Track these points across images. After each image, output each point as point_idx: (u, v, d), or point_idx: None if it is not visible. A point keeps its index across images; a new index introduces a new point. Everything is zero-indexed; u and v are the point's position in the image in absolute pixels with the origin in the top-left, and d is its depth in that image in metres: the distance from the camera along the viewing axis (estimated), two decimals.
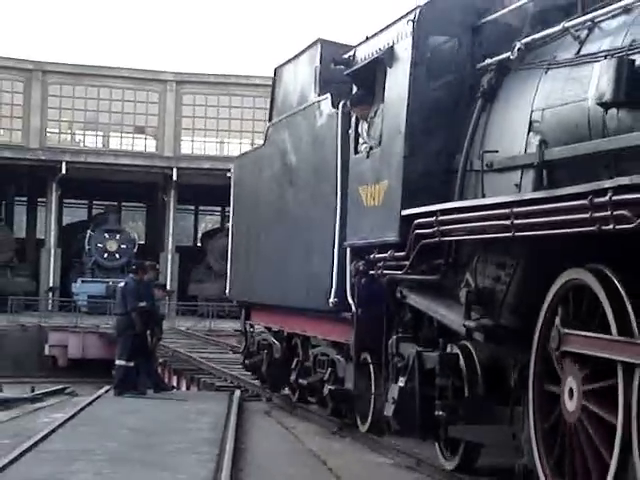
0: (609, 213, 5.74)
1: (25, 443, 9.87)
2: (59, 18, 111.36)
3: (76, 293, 39.39)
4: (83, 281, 40.30)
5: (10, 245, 41.78)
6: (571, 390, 6.47)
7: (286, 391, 14.30)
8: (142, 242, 48.09)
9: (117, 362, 14.96)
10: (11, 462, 8.87)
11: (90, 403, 13.87)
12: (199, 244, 50.44)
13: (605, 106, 6.51)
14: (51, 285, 41.27)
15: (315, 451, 10.32)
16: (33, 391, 18.52)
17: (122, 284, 15.46)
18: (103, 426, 11.75)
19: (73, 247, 43.54)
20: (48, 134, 44.01)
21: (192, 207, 53.96)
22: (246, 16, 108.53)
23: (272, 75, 14.42)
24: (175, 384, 20.57)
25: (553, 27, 7.79)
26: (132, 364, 14.84)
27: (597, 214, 5.83)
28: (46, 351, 30.59)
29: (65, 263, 42.53)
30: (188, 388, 19.06)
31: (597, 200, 5.81)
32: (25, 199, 48.53)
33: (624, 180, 5.71)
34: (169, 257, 42.28)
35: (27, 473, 8.59)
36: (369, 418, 10.81)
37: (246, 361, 15.75)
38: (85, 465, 9.06)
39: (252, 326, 15.54)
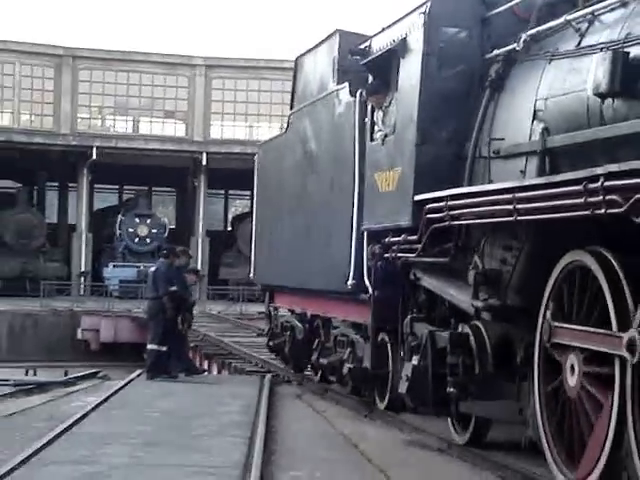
0: (601, 198, 6.13)
1: (59, 426, 9.95)
2: (89, 3, 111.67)
3: (107, 278, 39.64)
4: (114, 266, 40.52)
5: (42, 230, 42.09)
6: (572, 367, 6.89)
7: (308, 371, 14.73)
8: (172, 227, 48.28)
9: (149, 346, 15.03)
10: (45, 445, 8.95)
11: (123, 387, 13.95)
12: (229, 228, 50.57)
13: (601, 96, 6.87)
14: (83, 270, 41.54)
15: (346, 434, 10.34)
16: (66, 375, 18.65)
17: (153, 269, 15.52)
18: (136, 409, 11.83)
19: (104, 232, 43.79)
20: (78, 119, 44.19)
21: (222, 191, 54.03)
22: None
23: (289, 69, 14.94)
24: (206, 368, 20.66)
25: (557, 19, 8.11)
26: (164, 348, 14.91)
27: (591, 199, 6.22)
28: (79, 335, 30.81)
29: (96, 248, 42.79)
30: (219, 372, 19.13)
31: (590, 186, 6.22)
32: (56, 184, 48.80)
33: (613, 167, 6.08)
34: (199, 241, 42.42)
35: (61, 456, 8.67)
36: (387, 396, 11.16)
37: (270, 342, 16.12)
38: (118, 448, 9.13)
39: (276, 309, 15.93)
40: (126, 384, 14.31)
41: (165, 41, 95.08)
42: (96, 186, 48.24)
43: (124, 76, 44.29)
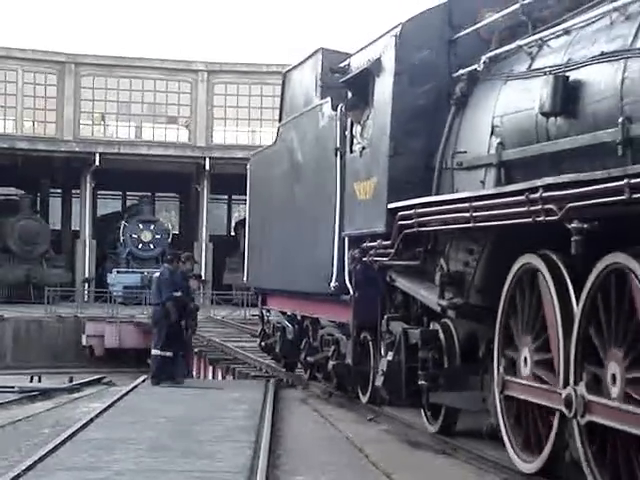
0: (540, 207, 7.02)
1: (64, 432, 9.96)
2: (90, 10, 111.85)
3: (111, 284, 39.61)
4: (118, 272, 40.53)
5: (46, 237, 42.10)
6: (525, 359, 7.81)
7: (299, 369, 15.54)
8: (176, 232, 48.29)
9: (153, 352, 15.05)
10: (51, 451, 8.95)
11: (127, 393, 13.96)
12: (233, 233, 50.54)
13: (546, 115, 7.77)
14: (87, 276, 41.56)
15: (352, 438, 10.33)
16: (71, 381, 18.65)
17: (157, 274, 15.55)
18: (141, 415, 11.83)
19: (108, 238, 43.80)
20: (81, 126, 44.23)
21: (225, 196, 54.02)
22: (276, 4, 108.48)
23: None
24: (211, 373, 20.67)
25: (519, 41, 8.90)
26: (169, 354, 14.91)
27: (532, 208, 7.12)
28: (83, 341, 30.83)
29: (100, 254, 42.80)
30: (224, 377, 19.13)
31: (531, 196, 7.11)
32: (60, 191, 48.83)
33: (550, 180, 7.00)
34: (203, 246, 42.44)
35: (66, 462, 8.66)
36: (369, 390, 11.98)
37: (262, 343, 16.97)
38: (124, 454, 9.12)
39: (268, 311, 16.65)
40: (131, 390, 14.32)
41: (167, 47, 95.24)
42: (99, 192, 48.26)
43: (126, 82, 44.34)
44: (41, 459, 8.58)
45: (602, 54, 7.33)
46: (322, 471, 8.64)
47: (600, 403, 6.64)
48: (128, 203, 52.43)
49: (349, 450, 9.77)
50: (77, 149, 41.85)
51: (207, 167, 41.92)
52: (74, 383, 17.87)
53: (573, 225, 6.71)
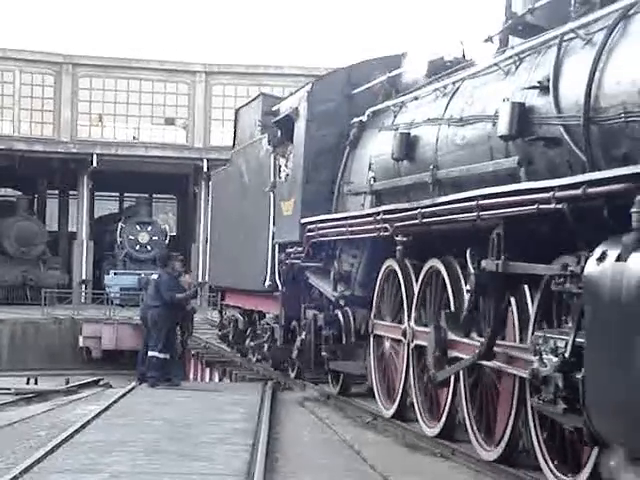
0: (381, 225, 10.51)
1: (61, 435, 9.94)
2: (88, 10, 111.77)
3: (108, 285, 39.56)
4: (115, 273, 40.47)
5: (43, 238, 42.04)
6: (387, 338, 11.30)
7: (249, 355, 18.14)
8: (173, 234, 48.22)
9: (151, 353, 15.02)
10: (47, 454, 8.93)
11: (124, 395, 13.93)
12: None
13: (395, 160, 10.90)
14: (84, 278, 41.49)
15: (349, 441, 10.31)
16: (68, 383, 18.65)
17: (155, 276, 15.53)
18: (137, 417, 11.80)
19: (105, 239, 43.74)
20: (79, 127, 44.19)
21: None
22: (273, 5, 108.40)
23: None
24: (208, 376, 20.66)
25: (388, 101, 12.12)
26: (166, 356, 14.90)
27: (377, 225, 10.65)
28: (80, 342, 30.76)
29: (97, 256, 42.73)
30: (220, 380, 19.11)
31: (377, 217, 10.64)
32: (57, 192, 48.78)
33: (386, 207, 10.57)
34: (200, 248, 42.36)
35: (63, 464, 8.64)
36: (295, 368, 15.08)
37: (219, 332, 20.60)
38: (121, 456, 9.10)
39: (227, 306, 19.65)
40: (128, 392, 14.29)
41: (165, 48, 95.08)
42: (97, 194, 48.19)
43: (124, 83, 44.31)
44: (37, 461, 8.56)
45: (428, 119, 10.34)
46: (320, 474, 8.63)
47: (419, 331, 10.13)
48: (125, 204, 52.39)
49: (347, 453, 9.75)
50: (74, 150, 41.80)
51: (205, 168, 41.87)
52: (71, 385, 17.87)
53: (397, 239, 10.23)
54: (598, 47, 7.21)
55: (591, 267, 6.23)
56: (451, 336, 9.18)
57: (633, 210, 5.97)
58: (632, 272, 5.74)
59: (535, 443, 7.77)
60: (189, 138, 44.77)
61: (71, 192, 46.54)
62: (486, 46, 9.80)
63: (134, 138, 45.02)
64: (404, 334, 10.46)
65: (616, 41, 7.10)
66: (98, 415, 11.67)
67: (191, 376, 22.26)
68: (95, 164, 40.71)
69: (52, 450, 9.13)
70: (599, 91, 7.10)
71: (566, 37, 7.86)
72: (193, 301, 17.28)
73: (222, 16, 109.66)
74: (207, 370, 20.91)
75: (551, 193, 6.98)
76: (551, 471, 7.52)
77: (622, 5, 7.20)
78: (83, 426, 10.70)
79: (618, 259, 5.93)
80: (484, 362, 8.52)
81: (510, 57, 8.89)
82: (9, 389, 16.19)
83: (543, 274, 7.42)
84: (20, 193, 45.84)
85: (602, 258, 6.11)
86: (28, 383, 20.24)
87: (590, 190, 6.53)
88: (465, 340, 8.92)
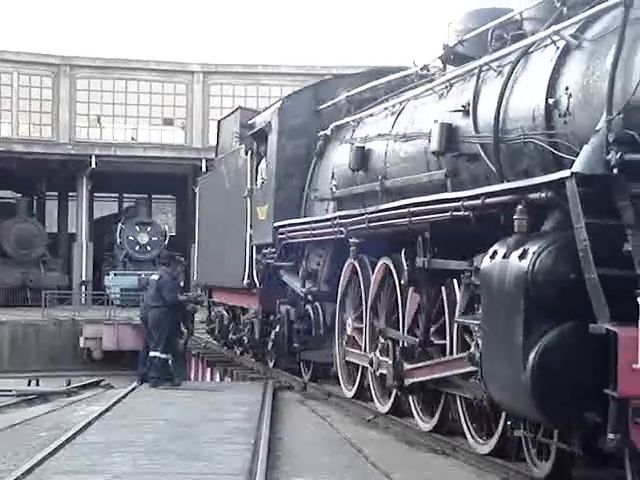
0: (337, 229, 12.06)
1: (62, 436, 9.95)
2: (85, 12, 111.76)
3: (108, 286, 39.53)
4: (115, 274, 40.45)
5: (42, 240, 42.00)
6: (350, 324, 12.69)
7: (235, 349, 19.67)
8: (173, 234, 48.17)
9: (152, 354, 15.01)
10: (49, 455, 8.94)
11: (125, 395, 13.93)
12: None
13: (352, 170, 12.30)
14: (84, 279, 41.43)
15: (350, 439, 10.33)
16: (69, 384, 18.62)
17: (156, 277, 15.49)
18: (139, 418, 11.81)
19: (105, 240, 43.70)
20: (77, 128, 44.15)
21: None
22: (271, 4, 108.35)
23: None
24: (209, 375, 20.65)
25: (348, 117, 13.60)
26: (168, 356, 14.90)
27: (335, 229, 12.17)
28: (81, 343, 30.74)
29: (97, 257, 42.69)
30: (221, 380, 19.10)
31: (333, 222, 12.21)
32: (56, 194, 48.69)
33: (338, 214, 12.26)
34: None
35: (65, 465, 8.65)
36: (273, 358, 16.54)
37: (207, 327, 21.85)
38: (122, 457, 9.11)
39: (214, 302, 20.90)
40: (129, 392, 14.29)
41: (162, 48, 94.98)
42: (96, 195, 48.11)
43: (122, 84, 44.28)
44: (40, 462, 8.57)
45: (379, 135, 11.67)
46: (322, 472, 8.64)
47: (383, 360, 11.30)
48: (125, 205, 52.32)
49: (348, 451, 9.77)
50: (73, 152, 41.73)
51: (203, 168, 41.82)
52: (72, 386, 17.83)
53: (351, 240, 11.91)
54: (505, 78, 8.58)
55: (485, 263, 7.49)
56: (406, 367, 10.23)
57: (515, 217, 7.23)
58: (512, 267, 6.98)
59: (460, 413, 9.27)
60: (187, 138, 44.72)
61: (70, 193, 46.46)
62: (432, 67, 11.62)
63: (132, 139, 44.99)
64: (371, 363, 11.64)
65: (518, 74, 8.49)
66: (100, 416, 11.68)
67: (192, 376, 22.26)
68: (94, 165, 40.65)
69: (54, 451, 9.13)
70: (505, 115, 8.47)
71: (484, 68, 9.21)
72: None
73: (219, 16, 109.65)
74: (208, 370, 20.89)
75: (460, 202, 8.38)
76: (472, 436, 9.07)
77: (525, 44, 8.61)
78: (85, 427, 10.70)
79: (504, 256, 7.14)
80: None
81: (443, 83, 10.35)
82: (10, 391, 16.16)
83: (462, 269, 8.58)
84: (19, 195, 45.78)
85: (493, 256, 7.36)
86: (29, 384, 20.21)
87: (487, 200, 7.93)
88: (419, 364, 10.02)
